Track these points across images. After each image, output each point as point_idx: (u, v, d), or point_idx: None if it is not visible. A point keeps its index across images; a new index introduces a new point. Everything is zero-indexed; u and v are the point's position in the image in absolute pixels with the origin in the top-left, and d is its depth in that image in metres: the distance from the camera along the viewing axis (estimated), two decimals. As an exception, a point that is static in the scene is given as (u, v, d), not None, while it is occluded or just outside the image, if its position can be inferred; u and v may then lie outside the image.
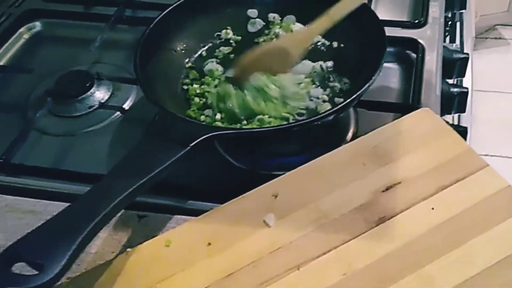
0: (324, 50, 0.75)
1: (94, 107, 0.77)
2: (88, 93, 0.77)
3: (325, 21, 0.68)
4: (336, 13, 0.68)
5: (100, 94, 0.78)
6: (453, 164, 0.56)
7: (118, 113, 0.76)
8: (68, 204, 0.61)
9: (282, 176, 0.59)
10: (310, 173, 0.58)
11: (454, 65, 0.85)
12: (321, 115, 0.60)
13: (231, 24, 0.77)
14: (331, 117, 0.61)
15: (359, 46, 0.72)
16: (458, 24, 1.05)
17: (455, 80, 0.91)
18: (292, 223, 0.54)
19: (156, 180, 0.54)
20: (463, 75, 0.88)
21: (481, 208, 0.53)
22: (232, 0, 0.77)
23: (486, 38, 2.19)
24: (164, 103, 0.63)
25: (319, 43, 0.75)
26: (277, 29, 0.77)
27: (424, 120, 0.61)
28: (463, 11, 1.01)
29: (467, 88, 0.81)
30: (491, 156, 1.63)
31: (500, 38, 2.20)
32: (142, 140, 0.57)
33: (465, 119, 0.94)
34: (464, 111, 0.83)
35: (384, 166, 0.58)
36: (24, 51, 0.89)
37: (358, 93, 0.61)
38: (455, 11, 0.98)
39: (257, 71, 0.66)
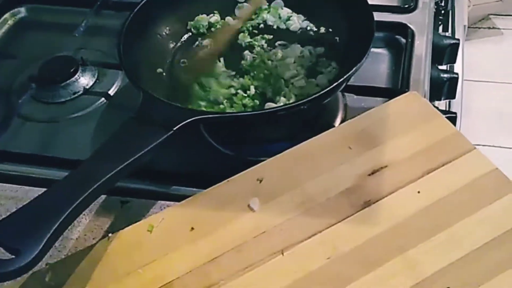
0: (312, 34, 0.74)
1: (79, 93, 0.76)
2: (73, 78, 0.76)
3: None
4: None
5: (84, 80, 0.77)
6: (440, 147, 0.56)
7: (103, 99, 0.75)
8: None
9: (268, 160, 0.58)
10: (295, 157, 0.57)
11: (444, 51, 0.84)
12: (307, 99, 0.59)
13: (218, 9, 0.76)
14: (317, 101, 0.60)
15: (347, 31, 0.71)
16: (450, 12, 1.04)
17: (446, 66, 0.90)
18: (277, 207, 0.53)
19: (138, 165, 0.53)
20: (454, 61, 0.87)
21: (468, 191, 0.52)
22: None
23: (480, 28, 2.18)
24: (148, 88, 0.62)
25: (307, 28, 0.74)
26: (264, 14, 0.76)
27: (411, 104, 0.61)
28: (457, -1, 1.00)
29: (457, 74, 0.80)
30: (483, 146, 1.62)
31: (493, 27, 2.19)
32: (124, 124, 0.56)
33: (455, 107, 0.93)
34: (454, 97, 0.82)
35: (371, 149, 0.57)
36: (8, 37, 0.87)
37: (345, 76, 0.60)
38: (448, -1, 0.97)
39: None
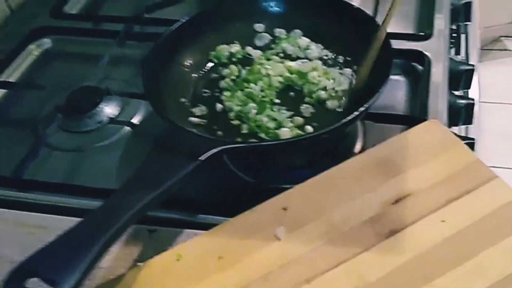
0: (331, 63, 0.75)
1: (104, 122, 0.77)
2: (98, 108, 0.78)
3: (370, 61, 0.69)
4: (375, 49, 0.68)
5: (109, 109, 0.79)
6: (462, 176, 0.56)
7: (127, 128, 0.77)
8: (80, 219, 0.62)
9: (292, 189, 0.59)
10: (319, 186, 0.59)
11: (460, 77, 0.85)
12: (331, 128, 0.60)
13: (238, 39, 0.78)
14: (341, 130, 0.62)
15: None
16: (463, 36, 1.05)
17: (462, 91, 0.91)
18: (302, 236, 0.54)
19: (167, 195, 0.55)
20: (469, 87, 0.88)
21: (492, 220, 0.53)
22: (238, 15, 0.78)
23: (491, 49, 2.20)
24: (173, 117, 0.64)
25: (326, 56, 0.76)
26: (284, 44, 0.77)
27: (432, 132, 0.62)
28: (467, 23, 1.01)
29: (473, 100, 0.81)
30: (499, 168, 1.62)
31: (505, 49, 2.20)
32: (151, 154, 0.58)
33: (472, 131, 0.94)
34: (471, 123, 0.83)
35: (393, 178, 0.58)
36: (34, 68, 0.90)
37: (367, 104, 0.61)
38: (459, 23, 0.99)
39: None
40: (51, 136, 0.75)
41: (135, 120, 0.78)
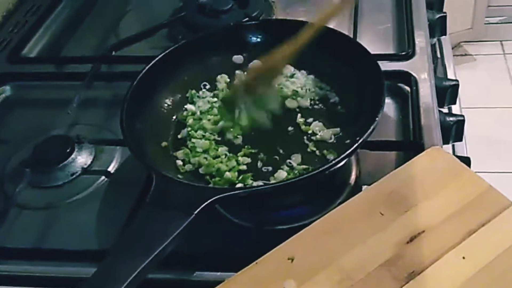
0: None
1: (77, 174, 0.71)
2: (69, 159, 0.72)
3: (293, 46, 0.66)
4: (304, 37, 0.66)
5: (82, 159, 0.72)
6: (477, 206, 0.53)
7: (103, 177, 0.71)
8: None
9: (296, 236, 0.54)
10: (325, 230, 0.54)
11: (445, 93, 0.83)
12: (332, 163, 0.56)
13: (219, 73, 0.73)
14: (341, 164, 0.58)
15: (356, 90, 0.69)
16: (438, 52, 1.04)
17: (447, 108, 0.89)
18: (315, 289, 0.50)
19: (164, 255, 0.49)
20: (454, 102, 0.86)
21: (516, 252, 0.49)
22: (216, 47, 0.73)
23: (453, 55, 2.22)
24: (157, 165, 0.59)
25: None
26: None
27: (436, 160, 0.58)
28: (443, 37, 1.00)
29: (463, 116, 0.79)
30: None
31: (466, 54, 2.23)
32: (142, 211, 0.53)
33: (459, 147, 0.92)
34: (461, 140, 0.81)
35: (403, 214, 0.54)
36: (-6, 119, 0.83)
37: (365, 135, 0.58)
38: (437, 38, 0.97)
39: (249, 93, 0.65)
40: (19, 195, 0.68)
41: (111, 168, 0.72)
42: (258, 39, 0.75)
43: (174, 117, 0.70)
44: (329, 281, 0.50)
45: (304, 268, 0.51)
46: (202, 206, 0.52)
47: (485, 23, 2.17)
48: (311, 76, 0.73)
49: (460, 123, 0.78)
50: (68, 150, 0.72)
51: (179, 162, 0.65)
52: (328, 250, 0.52)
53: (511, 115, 1.97)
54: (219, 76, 0.73)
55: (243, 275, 0.52)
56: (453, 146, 0.91)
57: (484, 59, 2.20)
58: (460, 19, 2.08)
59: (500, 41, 2.25)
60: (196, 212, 0.51)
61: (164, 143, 0.67)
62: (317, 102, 0.71)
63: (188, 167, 0.64)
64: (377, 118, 0.59)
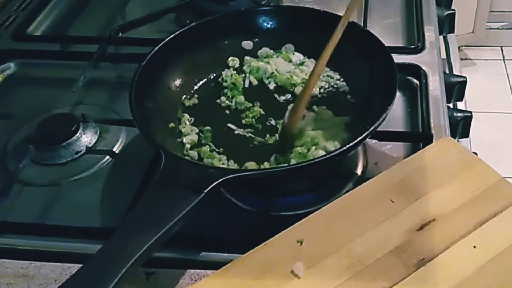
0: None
1: (81, 153, 0.70)
2: (74, 137, 0.71)
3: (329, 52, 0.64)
4: (337, 37, 0.64)
5: (86, 138, 0.71)
6: (488, 196, 0.53)
7: (107, 157, 0.70)
8: (64, 264, 0.55)
9: (305, 219, 0.54)
10: (335, 214, 0.54)
11: (452, 89, 0.83)
12: (343, 149, 0.55)
13: (229, 57, 0.73)
14: (350, 151, 0.57)
15: (367, 80, 0.68)
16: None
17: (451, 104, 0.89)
18: (324, 272, 0.49)
19: (170, 234, 0.49)
20: (461, 99, 0.86)
21: (528, 242, 0.49)
22: (226, 31, 0.73)
23: (453, 59, 2.23)
24: (166, 146, 0.58)
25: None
26: (273, 60, 0.73)
27: (448, 150, 0.58)
28: (451, 34, 1.00)
29: (470, 112, 0.79)
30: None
31: (465, 59, 2.24)
32: (151, 189, 0.52)
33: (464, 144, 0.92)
34: (467, 136, 0.81)
35: (414, 202, 0.53)
36: (-1, 95, 0.82)
37: (375, 124, 0.57)
38: (444, 35, 0.97)
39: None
40: (23, 171, 0.67)
41: (116, 148, 0.71)
42: (269, 26, 0.74)
43: (182, 98, 0.69)
44: (338, 265, 0.49)
45: (313, 251, 0.51)
46: (213, 185, 0.51)
47: (486, 28, 2.18)
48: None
49: (467, 119, 0.78)
50: (73, 128, 0.71)
51: (187, 146, 0.64)
52: (338, 234, 0.52)
53: (509, 121, 1.98)
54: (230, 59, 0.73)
55: (251, 256, 0.51)
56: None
57: (484, 64, 2.21)
58: (462, 23, 2.08)
59: (501, 46, 2.25)
60: (206, 191, 0.51)
61: (171, 124, 0.66)
62: (326, 91, 0.71)
63: (193, 154, 0.63)
64: (389, 107, 0.59)
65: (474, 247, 0.49)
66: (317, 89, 0.70)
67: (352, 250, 0.50)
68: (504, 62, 2.21)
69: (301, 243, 0.52)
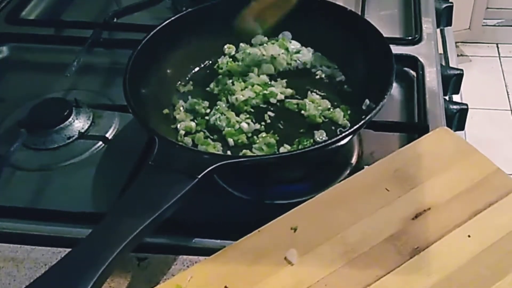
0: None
1: (73, 138, 0.69)
2: (66, 122, 0.70)
3: None
4: None
5: (79, 123, 0.71)
6: (483, 186, 0.52)
7: (100, 143, 0.69)
8: (53, 248, 0.55)
9: (300, 206, 0.53)
10: (330, 202, 0.53)
11: (448, 82, 0.82)
12: (339, 137, 0.55)
13: (225, 44, 0.72)
14: (347, 139, 0.57)
15: (364, 69, 0.68)
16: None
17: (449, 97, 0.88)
18: (318, 259, 0.49)
19: (164, 218, 0.48)
20: (458, 92, 0.86)
21: (523, 233, 0.49)
22: (221, 17, 0.71)
23: (448, 55, 2.23)
24: (160, 131, 0.57)
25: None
26: (271, 48, 0.72)
27: (444, 140, 0.58)
28: (448, 27, 0.99)
29: (466, 105, 0.78)
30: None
31: (461, 55, 2.24)
32: (144, 173, 0.51)
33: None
34: (463, 129, 0.80)
35: (409, 191, 0.53)
36: (-10, 78, 0.81)
37: (371, 114, 0.57)
38: (442, 27, 0.96)
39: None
40: (14, 155, 0.66)
41: (109, 134, 0.70)
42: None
43: (177, 84, 0.68)
44: (332, 252, 0.49)
45: (307, 238, 0.50)
46: (207, 170, 0.51)
47: (482, 25, 2.18)
48: (318, 53, 0.72)
49: (463, 112, 0.77)
50: (65, 113, 0.70)
51: (181, 132, 0.63)
52: (332, 222, 0.51)
53: (504, 117, 1.99)
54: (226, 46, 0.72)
55: (244, 242, 0.51)
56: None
57: (479, 61, 2.21)
58: (459, 19, 2.08)
59: (496, 43, 2.26)
60: (200, 176, 0.50)
61: (165, 110, 0.65)
62: (323, 80, 0.70)
63: (187, 140, 0.63)
64: (385, 97, 0.58)
65: (469, 236, 0.49)
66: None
67: (346, 237, 0.50)
68: (500, 59, 2.21)
69: (295, 230, 0.51)
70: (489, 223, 0.50)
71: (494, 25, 2.23)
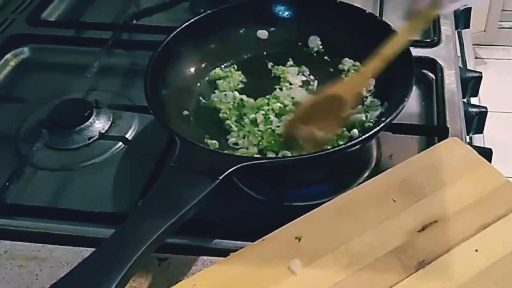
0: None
1: (94, 138, 0.71)
2: (87, 123, 0.72)
3: (377, 62, 0.62)
4: (387, 52, 0.62)
5: (99, 123, 0.73)
6: (492, 199, 0.53)
7: (120, 143, 0.71)
8: (76, 247, 0.56)
9: (304, 216, 0.54)
10: (335, 212, 0.54)
11: (467, 84, 0.82)
12: (359, 140, 0.56)
13: (244, 46, 0.73)
14: (369, 141, 0.58)
15: (383, 72, 0.68)
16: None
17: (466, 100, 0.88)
18: (321, 270, 0.49)
19: (186, 219, 0.49)
20: (476, 94, 0.85)
21: (530, 248, 0.49)
22: (241, 20, 0.73)
23: (464, 56, 2.22)
24: (180, 132, 0.58)
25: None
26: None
27: (453, 151, 0.58)
28: (466, 29, 0.99)
29: (486, 108, 0.78)
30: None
31: (476, 57, 2.22)
32: (166, 174, 0.53)
33: (477, 140, 0.91)
34: (482, 132, 0.81)
35: (416, 202, 0.54)
36: (12, 79, 0.83)
37: (392, 115, 0.57)
38: (459, 30, 0.96)
39: (309, 126, 0.61)
40: (36, 155, 0.69)
41: (129, 135, 0.72)
42: (285, 15, 0.74)
43: (198, 85, 0.70)
44: (336, 263, 0.49)
45: (311, 248, 0.51)
46: (228, 172, 0.51)
47: (498, 27, 2.16)
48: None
49: (482, 115, 0.77)
50: (86, 114, 0.72)
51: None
52: (337, 232, 0.52)
53: (518, 121, 1.97)
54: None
55: (248, 251, 0.51)
56: (470, 138, 0.90)
57: (494, 63, 2.19)
58: (474, 22, 2.06)
59: (512, 46, 2.24)
60: (221, 178, 0.51)
61: (185, 112, 0.67)
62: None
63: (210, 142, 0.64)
64: (406, 99, 0.58)
65: (476, 250, 0.49)
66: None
67: (351, 249, 0.50)
68: (515, 62, 2.20)
69: (300, 239, 0.52)
70: (497, 237, 0.50)
71: (510, 28, 2.21)
